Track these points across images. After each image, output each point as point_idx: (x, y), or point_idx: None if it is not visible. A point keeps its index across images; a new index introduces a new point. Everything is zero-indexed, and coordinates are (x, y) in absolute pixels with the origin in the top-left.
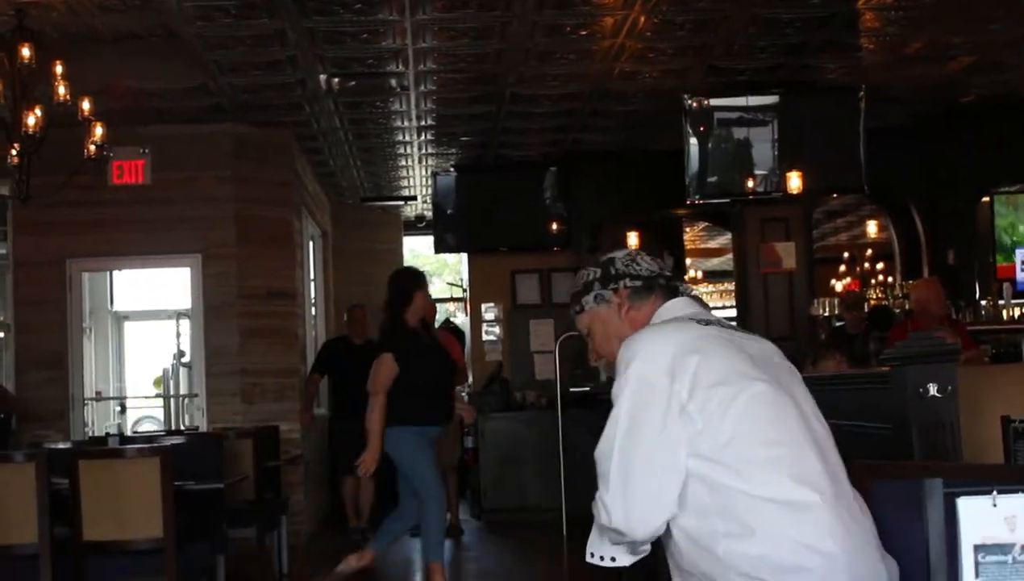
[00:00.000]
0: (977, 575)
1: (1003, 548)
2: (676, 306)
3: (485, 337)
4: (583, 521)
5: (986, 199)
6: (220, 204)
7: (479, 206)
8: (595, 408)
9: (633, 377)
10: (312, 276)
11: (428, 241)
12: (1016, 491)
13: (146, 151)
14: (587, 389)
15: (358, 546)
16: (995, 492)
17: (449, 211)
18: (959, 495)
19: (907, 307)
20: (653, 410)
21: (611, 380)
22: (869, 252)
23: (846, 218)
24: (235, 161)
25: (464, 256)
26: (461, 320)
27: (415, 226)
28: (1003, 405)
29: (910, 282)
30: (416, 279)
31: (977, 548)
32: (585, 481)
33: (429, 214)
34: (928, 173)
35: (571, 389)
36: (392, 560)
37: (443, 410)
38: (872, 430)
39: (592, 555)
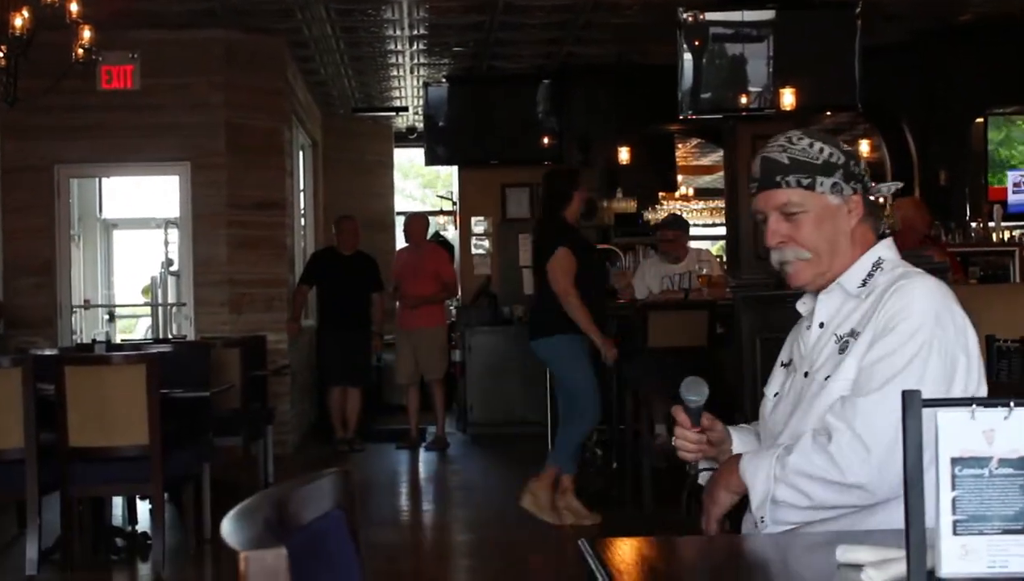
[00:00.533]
0: (954, 488)
1: (980, 461)
2: (893, 250)
3: (474, 251)
4: None
5: (980, 120)
6: (210, 112)
7: (470, 118)
8: None
9: (939, 345)
10: (302, 186)
11: (419, 153)
12: (995, 404)
13: (135, 56)
14: None
15: (344, 456)
16: (974, 405)
17: (440, 123)
18: (938, 407)
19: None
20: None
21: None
22: None
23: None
24: (226, 68)
25: (455, 169)
26: (451, 234)
27: (406, 138)
28: (988, 325)
29: (895, 201)
30: (572, 178)
31: (954, 461)
32: None
33: (420, 126)
34: (922, 92)
35: None
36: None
37: (601, 314)
38: None
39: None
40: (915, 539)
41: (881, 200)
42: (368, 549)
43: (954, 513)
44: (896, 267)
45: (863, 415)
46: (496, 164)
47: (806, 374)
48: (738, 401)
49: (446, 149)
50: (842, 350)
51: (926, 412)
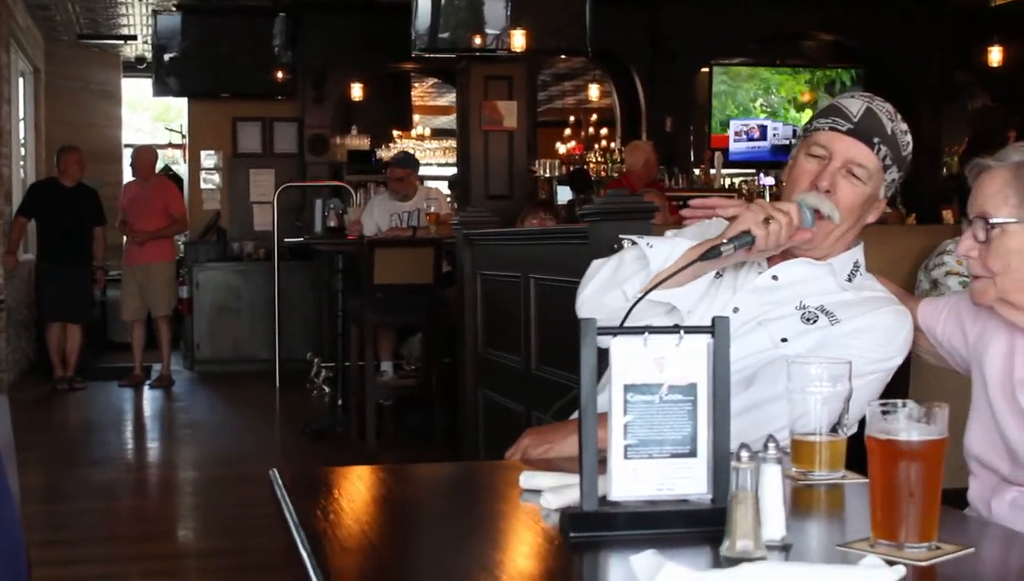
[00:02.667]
0: (626, 413)
1: (651, 388)
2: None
3: (203, 185)
4: (295, 371)
5: (705, 69)
6: None
7: (202, 49)
8: (311, 259)
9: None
10: (22, 115)
11: (148, 84)
12: (666, 332)
13: None
14: (302, 240)
15: (63, 395)
16: (647, 333)
17: (171, 54)
18: (613, 335)
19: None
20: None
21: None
22: (594, 117)
23: (573, 82)
24: None
25: (184, 101)
26: (181, 167)
27: (135, 68)
28: None
29: (632, 144)
30: None
31: (627, 387)
32: (300, 331)
33: (150, 56)
34: (651, 40)
35: (286, 239)
36: None
37: None
38: (574, 284)
39: None
40: (587, 463)
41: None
42: (90, 489)
43: (626, 438)
44: (869, 276)
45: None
46: (227, 97)
47: (736, 309)
48: (460, 337)
49: (176, 80)
50: (807, 320)
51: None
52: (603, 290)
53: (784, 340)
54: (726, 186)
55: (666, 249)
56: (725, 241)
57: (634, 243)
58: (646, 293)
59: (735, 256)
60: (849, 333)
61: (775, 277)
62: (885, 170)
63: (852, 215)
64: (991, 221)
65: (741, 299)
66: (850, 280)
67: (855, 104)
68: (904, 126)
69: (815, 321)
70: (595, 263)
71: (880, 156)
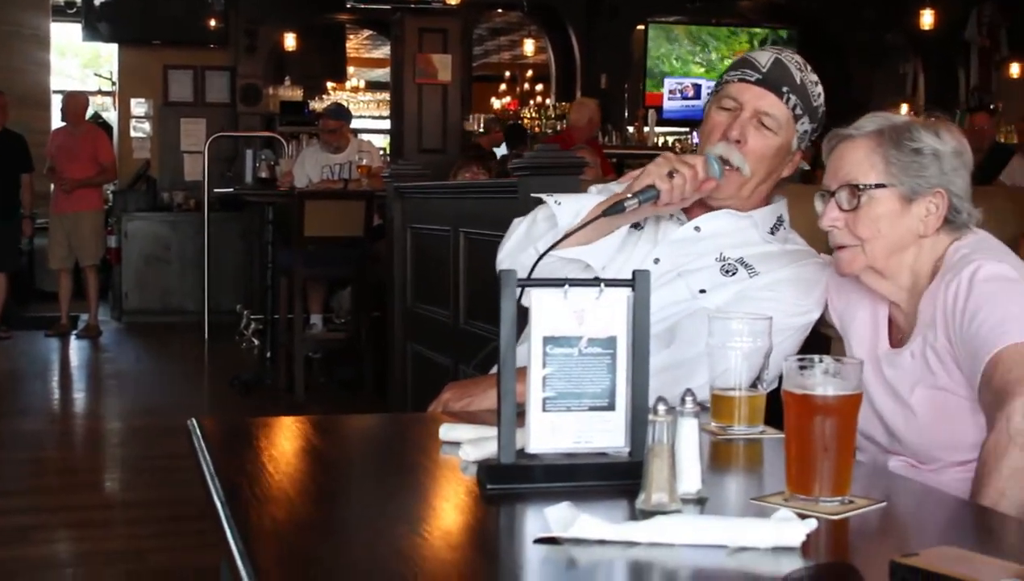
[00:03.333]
0: (545, 366)
1: (570, 340)
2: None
3: (133, 134)
4: (224, 323)
5: (641, 27)
6: None
7: None
8: (241, 210)
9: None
10: None
11: (77, 29)
12: (586, 284)
13: None
14: (232, 190)
15: None
16: (567, 286)
17: None
18: (533, 287)
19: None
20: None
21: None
22: (529, 73)
23: (509, 37)
24: None
25: (115, 47)
26: (111, 115)
27: (64, 12)
28: None
29: (568, 103)
30: None
31: (546, 339)
32: (229, 283)
33: (79, 0)
34: None
35: (216, 190)
36: None
37: None
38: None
39: None
40: (505, 416)
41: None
42: (14, 439)
43: (544, 391)
44: (793, 232)
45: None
46: (159, 44)
47: (656, 260)
48: (390, 290)
49: (107, 26)
50: (726, 272)
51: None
52: (518, 249)
53: (703, 291)
54: (659, 144)
55: (574, 206)
56: (629, 195)
57: (542, 202)
58: (548, 250)
59: (641, 210)
60: (767, 285)
61: (697, 228)
62: (796, 120)
63: (764, 165)
64: (860, 185)
65: (662, 250)
66: (772, 233)
67: (764, 56)
68: (814, 77)
69: (734, 273)
70: (515, 221)
71: (789, 105)
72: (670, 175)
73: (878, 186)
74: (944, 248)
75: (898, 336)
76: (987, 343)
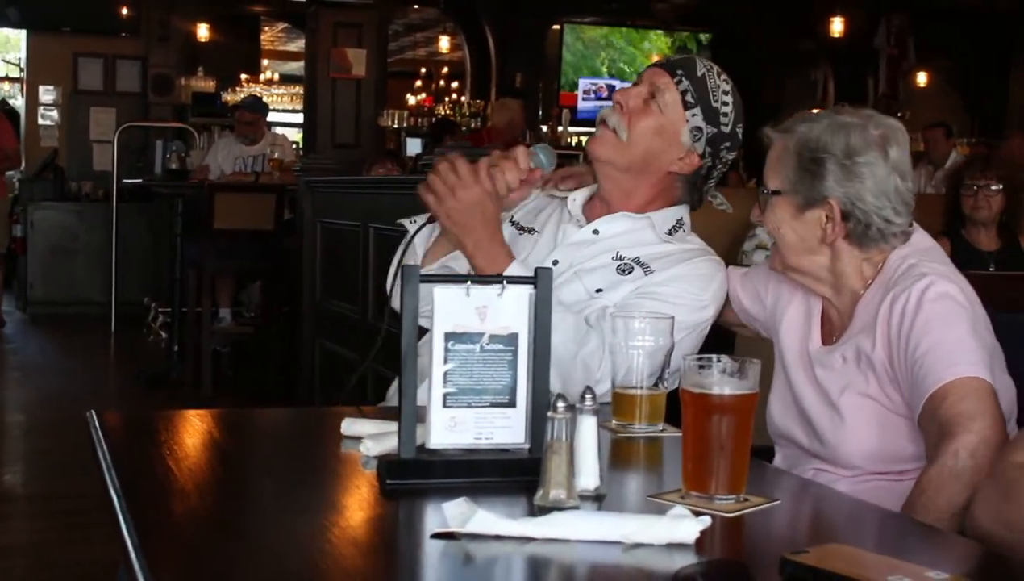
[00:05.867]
0: (446, 362)
1: (472, 337)
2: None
3: (41, 121)
4: (131, 315)
5: (556, 27)
6: None
7: None
8: (150, 202)
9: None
10: None
11: None
12: (489, 281)
13: None
14: (142, 181)
15: None
16: (470, 282)
17: None
18: (435, 283)
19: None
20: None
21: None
22: (445, 70)
23: (425, 33)
24: None
25: (23, 33)
26: (19, 102)
27: None
28: None
29: (482, 101)
30: None
31: (448, 335)
32: (137, 275)
33: None
34: None
35: (126, 180)
36: None
37: None
38: None
39: None
40: (407, 411)
41: (710, 199)
42: None
43: (445, 386)
44: (693, 235)
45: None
46: (69, 31)
47: (555, 262)
48: (298, 284)
49: (16, 10)
50: (622, 271)
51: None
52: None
53: (599, 290)
54: (572, 144)
55: (428, 226)
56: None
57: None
58: (397, 270)
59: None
60: (663, 281)
61: (596, 231)
62: (686, 108)
63: (642, 138)
64: (763, 189)
65: (561, 253)
66: (671, 234)
67: (682, 51)
68: (726, 87)
69: (629, 272)
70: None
71: (680, 89)
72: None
73: (774, 193)
74: (863, 257)
75: (830, 332)
76: (933, 373)
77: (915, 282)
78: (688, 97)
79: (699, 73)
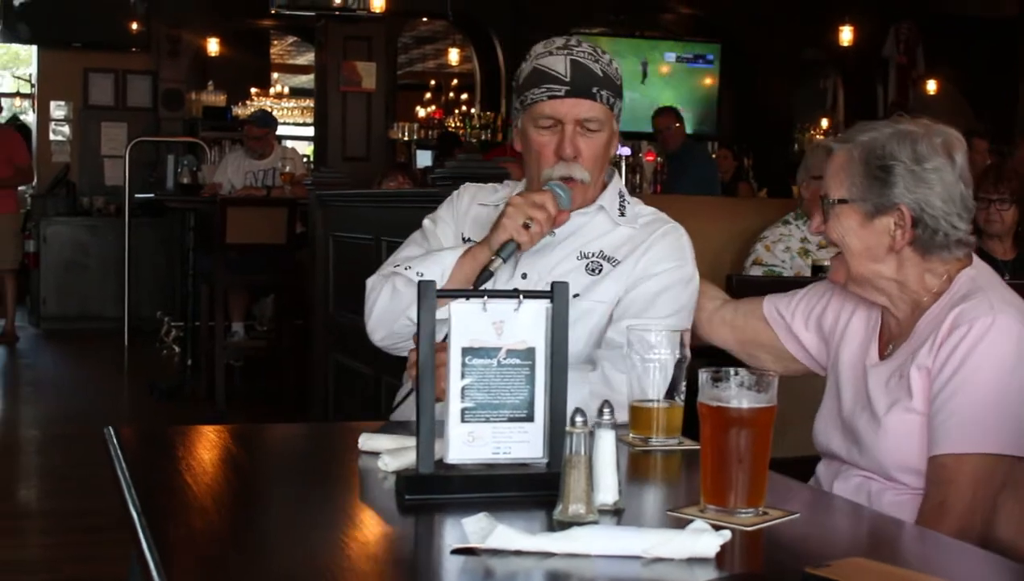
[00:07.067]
0: (464, 377)
1: (489, 351)
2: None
3: (53, 137)
4: (144, 330)
5: None
6: None
7: None
8: (162, 216)
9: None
10: None
11: None
12: (505, 296)
13: None
14: (153, 196)
15: None
16: (486, 297)
17: None
18: (452, 298)
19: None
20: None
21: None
22: (455, 82)
23: (434, 46)
24: None
25: (34, 49)
26: (30, 118)
27: None
28: None
29: (492, 112)
30: None
31: (465, 350)
32: (150, 289)
33: None
34: (512, 7)
35: (138, 195)
36: None
37: None
38: None
39: None
40: (424, 426)
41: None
42: None
43: (463, 401)
44: (636, 201)
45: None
46: (79, 47)
47: (524, 275)
48: (311, 298)
49: (26, 27)
50: (592, 271)
51: None
52: (389, 320)
53: (576, 296)
54: None
55: (436, 270)
56: (494, 257)
57: (408, 267)
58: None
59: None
60: (646, 271)
61: (552, 233)
62: (612, 108)
63: (599, 163)
64: (829, 199)
65: (525, 264)
66: (622, 214)
67: (559, 62)
68: (607, 56)
69: (599, 270)
70: (369, 283)
71: (604, 100)
72: (526, 226)
73: (840, 202)
74: (927, 267)
75: (887, 341)
76: (950, 437)
77: (979, 318)
78: (610, 100)
79: (600, 72)
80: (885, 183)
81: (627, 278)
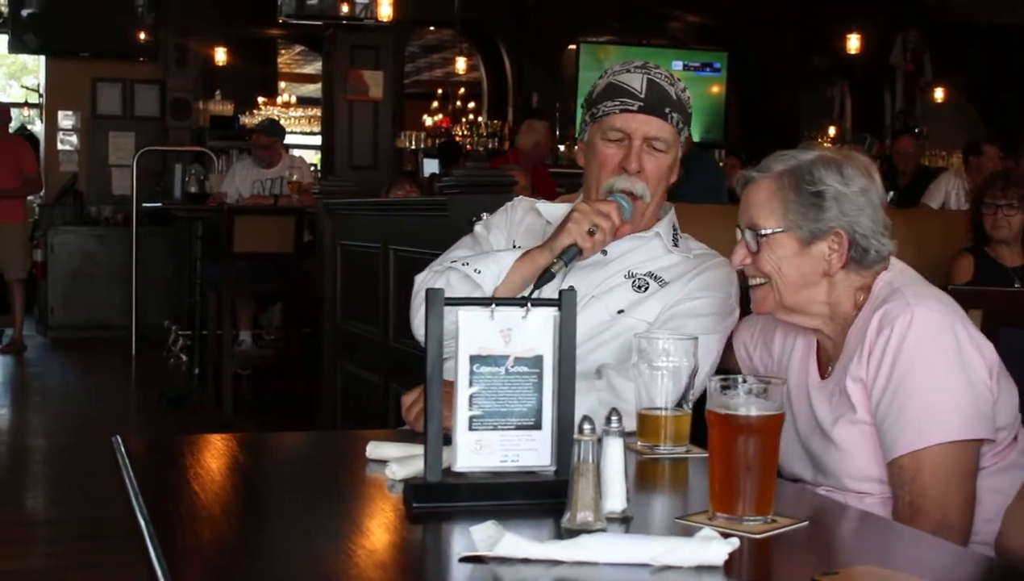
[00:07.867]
0: (471, 384)
1: (497, 359)
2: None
3: (61, 146)
4: (152, 338)
5: (572, 47)
6: None
7: (61, 6)
8: (170, 225)
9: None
10: None
11: (3, 40)
12: (513, 304)
13: None
14: (161, 205)
15: None
16: (494, 305)
17: (29, 9)
18: (460, 306)
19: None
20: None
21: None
22: (462, 90)
23: (441, 54)
24: None
25: (42, 59)
26: (38, 127)
27: None
28: None
29: (499, 121)
30: None
31: (473, 358)
32: (158, 298)
33: (6, 10)
34: (519, 16)
35: (145, 204)
36: None
37: None
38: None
39: None
40: (432, 434)
41: None
42: None
43: (471, 409)
44: (688, 236)
45: None
46: (87, 57)
47: (570, 288)
48: (319, 306)
49: (34, 37)
50: (638, 288)
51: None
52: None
53: (620, 311)
54: None
55: (494, 269)
56: (555, 260)
57: (465, 263)
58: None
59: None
60: (689, 295)
61: (604, 252)
62: (680, 133)
63: (661, 185)
64: (761, 230)
65: (573, 278)
66: (676, 244)
67: (636, 79)
68: (682, 84)
69: (646, 288)
70: (418, 279)
71: (673, 123)
72: (590, 232)
73: (775, 232)
74: (856, 283)
75: (826, 363)
76: (904, 437)
77: (898, 316)
78: (679, 124)
79: (674, 96)
80: (820, 208)
81: (672, 298)
